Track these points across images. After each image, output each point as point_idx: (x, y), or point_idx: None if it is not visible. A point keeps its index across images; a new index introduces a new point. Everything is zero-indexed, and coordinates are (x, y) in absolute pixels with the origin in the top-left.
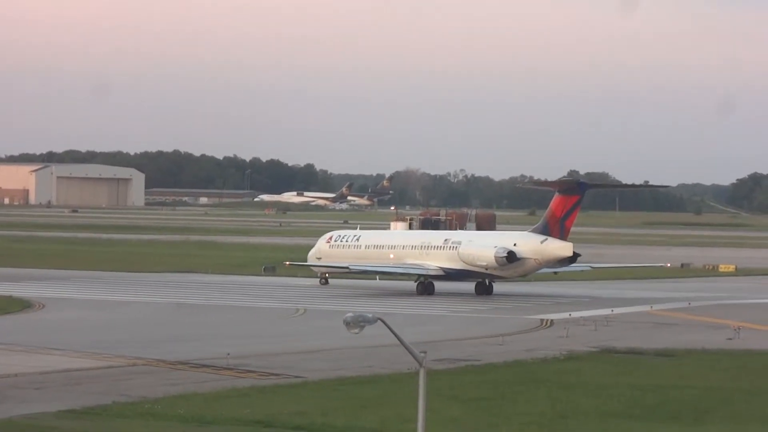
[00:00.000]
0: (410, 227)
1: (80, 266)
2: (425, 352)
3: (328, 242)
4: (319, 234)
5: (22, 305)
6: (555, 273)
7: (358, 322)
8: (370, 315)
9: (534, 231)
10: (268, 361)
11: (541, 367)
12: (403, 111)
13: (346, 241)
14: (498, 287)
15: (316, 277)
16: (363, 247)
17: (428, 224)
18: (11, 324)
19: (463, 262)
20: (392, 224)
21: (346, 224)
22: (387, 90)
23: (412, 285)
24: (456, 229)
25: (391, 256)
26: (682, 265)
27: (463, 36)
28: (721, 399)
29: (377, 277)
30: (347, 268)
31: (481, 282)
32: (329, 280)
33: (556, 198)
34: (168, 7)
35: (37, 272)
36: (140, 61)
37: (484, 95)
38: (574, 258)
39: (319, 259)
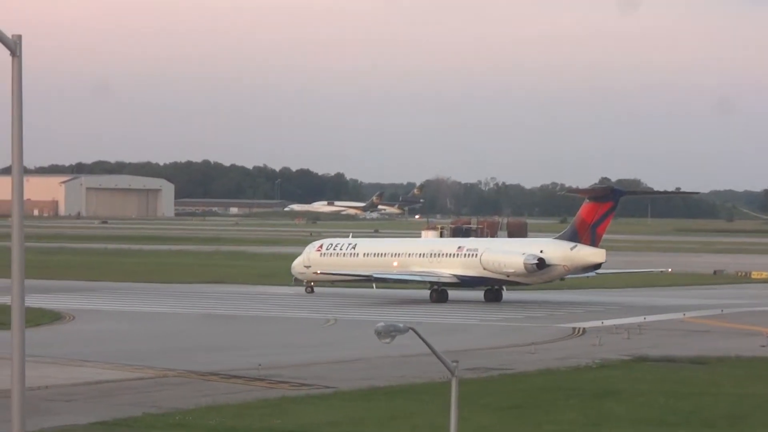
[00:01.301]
0: (441, 236)
1: (110, 277)
2: (457, 361)
3: (319, 250)
4: None
5: (52, 317)
6: (562, 280)
7: (390, 332)
8: (401, 325)
9: (560, 238)
10: (299, 371)
11: (574, 375)
12: (433, 120)
13: (341, 249)
14: (507, 295)
15: (343, 287)
16: (361, 255)
17: (459, 233)
18: (42, 336)
19: (486, 269)
20: (423, 233)
21: (376, 233)
22: (418, 99)
23: (415, 293)
24: (487, 238)
25: (395, 264)
26: (715, 272)
27: (495, 44)
28: (755, 406)
29: (374, 286)
30: (370, 276)
31: (490, 289)
32: (315, 289)
33: (586, 205)
34: (198, 20)
35: (67, 284)
36: (171, 71)
37: (514, 103)
38: (599, 265)
39: (308, 267)
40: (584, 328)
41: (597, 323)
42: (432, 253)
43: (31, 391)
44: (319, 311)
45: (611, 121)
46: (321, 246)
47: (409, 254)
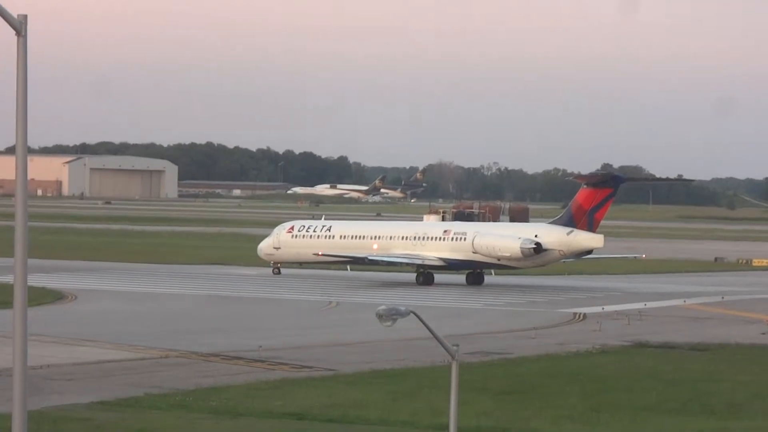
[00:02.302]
0: (443, 220)
1: (113, 258)
2: (458, 345)
3: (290, 232)
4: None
5: (54, 296)
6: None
7: (391, 315)
8: (402, 308)
9: (555, 223)
10: (300, 353)
11: (574, 360)
12: (436, 103)
13: (314, 231)
14: (489, 279)
15: (342, 269)
16: (337, 237)
17: (461, 217)
18: (44, 315)
19: (478, 253)
20: (425, 217)
21: (379, 216)
22: (420, 82)
23: (397, 276)
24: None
25: (375, 246)
26: (716, 260)
27: (496, 28)
28: (755, 393)
29: (348, 268)
30: (365, 258)
31: (472, 272)
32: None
33: (584, 190)
34: (204, 2)
35: (70, 264)
36: (176, 53)
37: (517, 88)
38: (591, 251)
39: (277, 249)
40: (585, 314)
41: (598, 309)
42: (416, 236)
43: (33, 370)
44: (321, 294)
45: (614, 108)
46: (292, 228)
47: (391, 237)
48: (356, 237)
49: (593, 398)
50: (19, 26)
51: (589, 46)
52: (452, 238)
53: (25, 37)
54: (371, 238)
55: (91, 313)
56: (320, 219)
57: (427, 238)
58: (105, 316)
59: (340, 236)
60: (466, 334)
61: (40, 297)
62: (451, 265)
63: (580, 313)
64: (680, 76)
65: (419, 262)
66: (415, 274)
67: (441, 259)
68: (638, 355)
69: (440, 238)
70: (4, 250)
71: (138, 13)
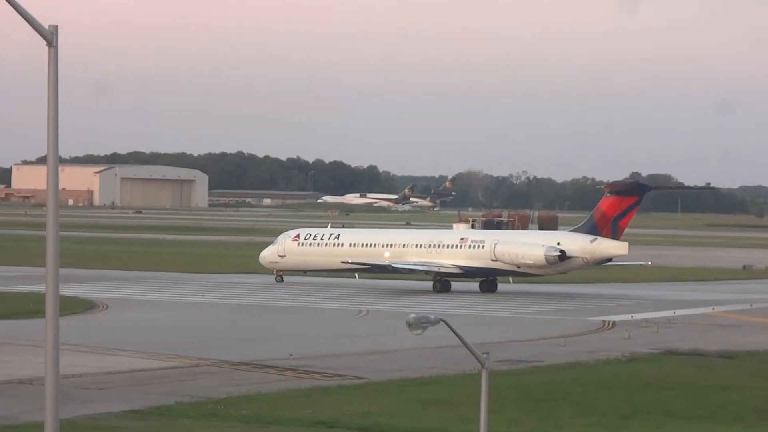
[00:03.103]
0: (472, 228)
1: (144, 267)
2: (488, 353)
3: (296, 240)
4: None
5: (86, 306)
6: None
7: (421, 324)
8: (432, 316)
9: (577, 230)
10: (331, 361)
11: (603, 368)
12: (465, 112)
13: (321, 239)
14: (503, 286)
15: (350, 277)
16: (347, 245)
17: (490, 225)
18: (75, 325)
19: (500, 260)
20: (454, 225)
21: (408, 225)
22: (449, 91)
23: (409, 283)
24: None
25: (386, 254)
26: (744, 267)
27: (528, 38)
28: None
29: (356, 276)
30: (389, 266)
31: (485, 280)
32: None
33: (607, 198)
34: (236, 10)
35: (101, 273)
36: (206, 62)
37: (545, 96)
38: (610, 258)
39: (282, 257)
40: (614, 322)
41: (627, 317)
42: (431, 244)
43: (65, 379)
44: (351, 302)
45: (643, 116)
46: (298, 236)
47: (404, 245)
48: (366, 245)
49: (623, 406)
50: (50, 37)
51: (618, 53)
52: (469, 246)
53: (56, 47)
54: (382, 246)
55: (122, 322)
56: (326, 227)
57: (443, 246)
58: (136, 325)
59: (350, 244)
60: (495, 342)
61: (71, 306)
62: (467, 273)
63: (610, 321)
64: (710, 83)
65: (435, 269)
66: (431, 282)
67: (457, 266)
68: (667, 362)
69: (456, 246)
70: (36, 260)
71: (167, 24)
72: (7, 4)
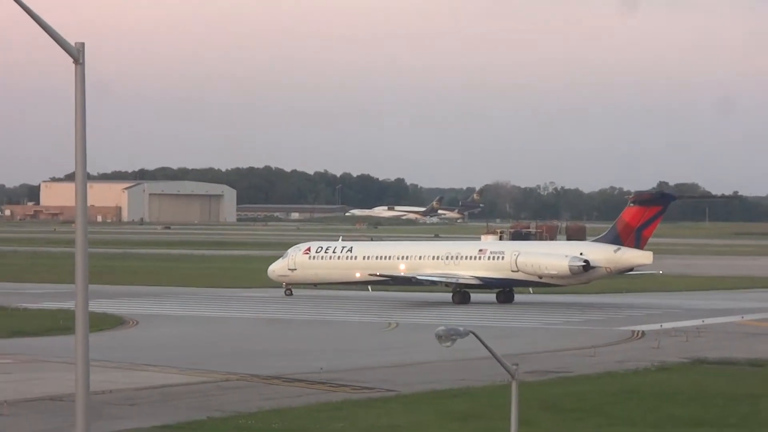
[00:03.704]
0: (500, 239)
1: (173, 282)
2: (517, 365)
3: (307, 253)
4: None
5: (115, 322)
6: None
7: (450, 336)
8: (461, 328)
9: (599, 240)
10: (360, 374)
11: (633, 378)
12: (492, 124)
13: (334, 252)
14: (523, 297)
15: (363, 290)
16: (360, 257)
17: (518, 237)
18: (105, 341)
19: (523, 271)
20: (482, 237)
21: (437, 237)
22: (477, 105)
23: (426, 295)
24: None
25: (402, 267)
26: None
27: (555, 52)
28: None
29: (369, 288)
30: (413, 278)
31: (502, 291)
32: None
33: (631, 209)
34: (262, 28)
35: (131, 289)
36: (232, 77)
37: (571, 107)
38: (632, 268)
39: (293, 270)
40: (643, 331)
41: (656, 326)
42: (448, 256)
43: (96, 395)
44: (380, 315)
45: (670, 125)
46: (309, 249)
47: (420, 257)
48: (382, 257)
49: (653, 415)
50: (76, 54)
51: (647, 63)
52: (489, 257)
53: (82, 65)
54: (398, 258)
55: (152, 338)
56: (338, 240)
57: (461, 257)
58: (166, 340)
59: (363, 257)
60: (524, 353)
61: (101, 323)
62: (487, 284)
63: (639, 331)
64: (736, 92)
65: (454, 281)
66: (449, 294)
67: (476, 277)
68: (697, 371)
69: (475, 257)
70: (65, 277)
71: (195, 41)
72: (35, 22)
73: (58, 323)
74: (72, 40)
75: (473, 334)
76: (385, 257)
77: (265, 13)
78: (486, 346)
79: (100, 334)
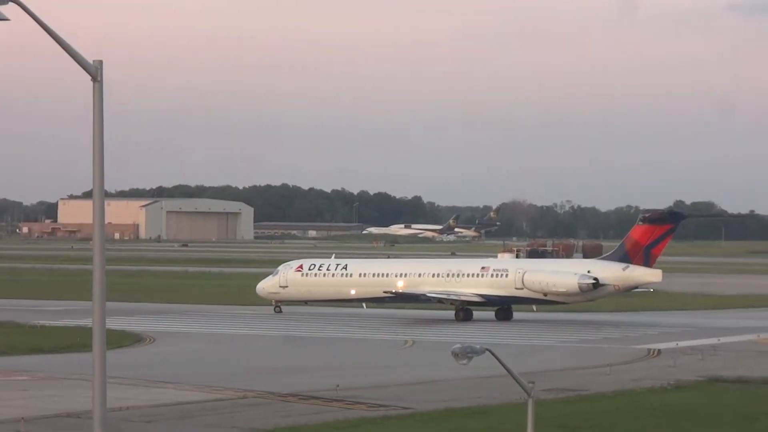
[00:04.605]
0: (517, 257)
1: (190, 300)
2: (533, 383)
3: (299, 271)
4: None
5: (133, 339)
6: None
7: (466, 353)
8: (477, 346)
9: (606, 258)
10: (377, 392)
11: (649, 396)
12: (508, 143)
13: (327, 269)
14: (518, 314)
15: (357, 307)
16: (356, 275)
17: (535, 255)
18: (122, 358)
19: (529, 289)
20: (499, 255)
21: (453, 255)
22: (493, 121)
23: (429, 313)
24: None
25: (400, 284)
26: None
27: (571, 69)
28: None
29: (364, 305)
30: (424, 294)
31: (501, 308)
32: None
33: (640, 227)
34: (278, 45)
35: (148, 306)
36: (248, 97)
37: (588, 125)
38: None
39: (284, 287)
40: (659, 350)
41: (672, 344)
42: (449, 273)
43: (113, 412)
44: (396, 333)
45: (687, 143)
46: (301, 266)
47: (420, 274)
48: (378, 275)
49: None
50: (95, 72)
51: (667, 82)
52: (492, 275)
53: (100, 82)
54: (395, 276)
55: (169, 355)
56: (330, 257)
57: (462, 275)
58: (183, 357)
59: (359, 274)
60: (540, 371)
61: (118, 340)
62: (490, 302)
63: (655, 349)
64: (751, 111)
65: (455, 297)
66: (452, 311)
67: (479, 295)
68: (713, 390)
69: (478, 275)
70: (83, 294)
71: (209, 58)
72: (53, 41)
73: (76, 340)
74: (90, 58)
75: (490, 351)
76: (383, 275)
77: (283, 33)
78: (502, 364)
79: (118, 351)
